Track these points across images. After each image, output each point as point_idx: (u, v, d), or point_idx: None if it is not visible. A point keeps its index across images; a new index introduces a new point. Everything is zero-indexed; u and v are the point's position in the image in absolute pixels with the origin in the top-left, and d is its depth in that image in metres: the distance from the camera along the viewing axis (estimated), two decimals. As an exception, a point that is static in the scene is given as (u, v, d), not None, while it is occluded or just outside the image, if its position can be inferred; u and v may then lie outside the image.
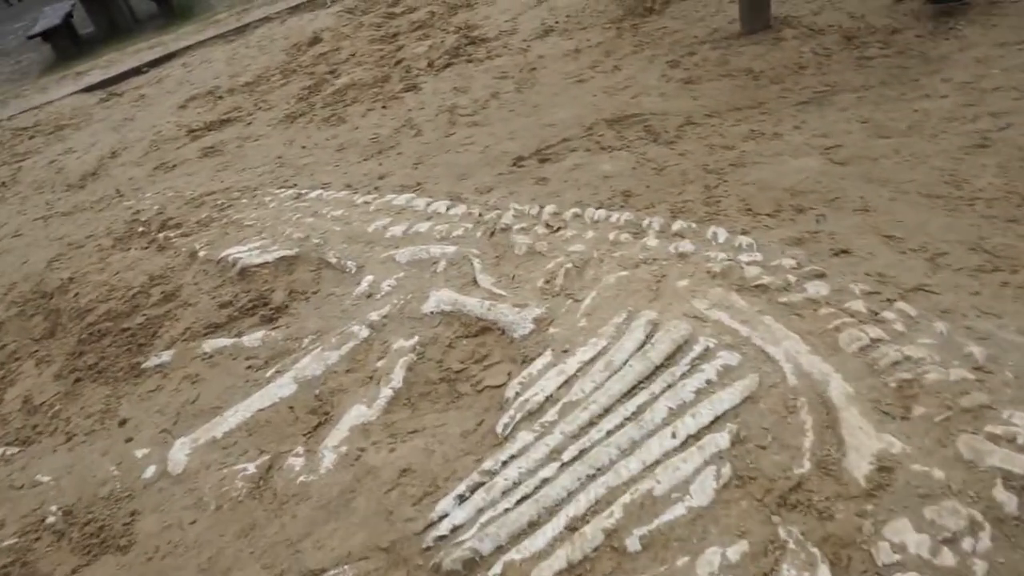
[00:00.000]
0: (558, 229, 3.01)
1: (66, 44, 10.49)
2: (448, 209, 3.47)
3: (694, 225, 2.78)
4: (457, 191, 3.79)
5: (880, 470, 1.71)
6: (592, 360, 2.28)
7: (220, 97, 6.58)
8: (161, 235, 4.18)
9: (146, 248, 4.16)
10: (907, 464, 1.70)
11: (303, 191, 4.14)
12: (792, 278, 2.34)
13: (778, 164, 3.24)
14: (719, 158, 3.43)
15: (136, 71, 8.30)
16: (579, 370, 2.26)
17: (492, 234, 3.16)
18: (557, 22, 5.69)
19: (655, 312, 2.37)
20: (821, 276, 2.34)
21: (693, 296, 2.40)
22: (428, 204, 3.55)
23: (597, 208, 3.08)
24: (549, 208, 3.18)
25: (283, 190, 4.26)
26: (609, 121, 4.09)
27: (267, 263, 3.49)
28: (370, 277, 3.15)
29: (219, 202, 4.36)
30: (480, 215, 3.33)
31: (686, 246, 2.65)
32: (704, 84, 4.21)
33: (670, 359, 2.19)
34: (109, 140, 6.41)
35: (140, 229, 4.39)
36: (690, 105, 4.03)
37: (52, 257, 4.51)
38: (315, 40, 7.15)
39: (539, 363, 2.35)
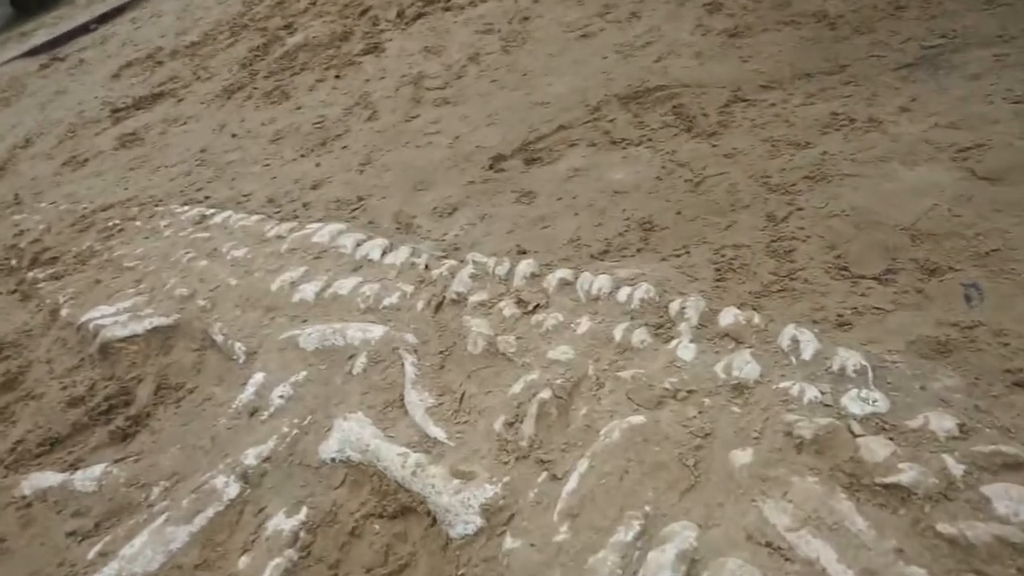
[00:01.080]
0: (535, 308, 1.90)
1: (24, -2, 9.34)
2: (384, 255, 2.37)
3: (757, 319, 1.65)
4: (409, 212, 2.68)
5: None
6: (574, 645, 1.20)
7: (159, 62, 5.47)
8: (31, 274, 3.16)
9: (12, 293, 3.15)
10: None
11: (210, 211, 3.06)
12: (956, 469, 1.22)
13: (883, 177, 2.07)
14: (787, 164, 2.26)
15: (84, 29, 7.18)
16: (549, 668, 1.19)
17: (439, 307, 2.06)
18: (558, -49, 4.40)
19: (693, 526, 1.28)
20: (1016, 466, 1.21)
21: (763, 492, 1.29)
22: (358, 244, 2.45)
23: (596, 273, 1.95)
24: (525, 266, 2.06)
25: (188, 207, 3.18)
26: (623, 98, 2.90)
27: (136, 336, 2.45)
28: (260, 376, 2.10)
29: (111, 223, 3.31)
30: (427, 268, 2.23)
31: (745, 367, 1.52)
32: (757, 37, 2.98)
33: (725, 667, 1.10)
34: (30, 121, 5.37)
35: (12, 262, 3.37)
36: (738, 71, 2.82)
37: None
38: (275, -16, 5.93)
39: (480, 632, 1.28)
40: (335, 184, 3.05)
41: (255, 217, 2.88)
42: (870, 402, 1.38)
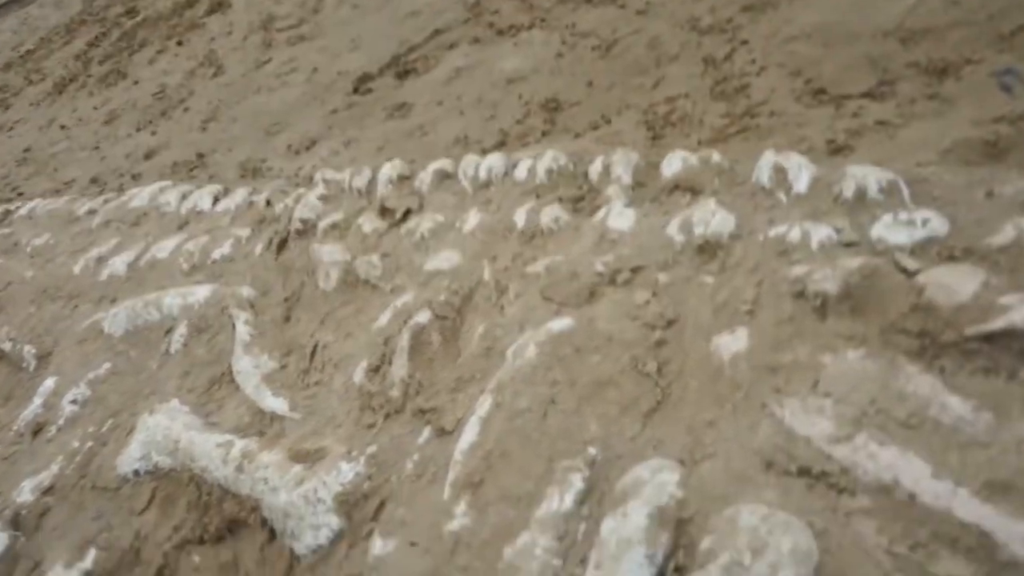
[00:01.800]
0: (405, 215, 1.34)
1: None
2: (216, 202, 1.78)
3: (716, 158, 1.11)
4: (258, 158, 2.10)
5: None
6: None
7: (-10, 77, 4.74)
8: None
9: None
10: None
11: (15, 206, 2.42)
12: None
13: (843, -13, 1.57)
14: (715, 1, 1.75)
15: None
16: None
17: (282, 245, 1.49)
18: None
19: (670, 464, 0.75)
20: None
21: (778, 389, 0.76)
22: (183, 198, 1.86)
23: (486, 150, 1.40)
24: (389, 169, 1.49)
25: (-8, 209, 2.53)
26: (507, -14, 2.37)
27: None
28: (51, 382, 1.49)
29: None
30: (268, 204, 1.65)
31: (712, 219, 0.99)
32: None
33: None
34: None
35: None
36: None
37: None
38: (117, -25, 5.26)
39: None
40: (173, 148, 2.45)
41: (65, 198, 2.25)
42: (919, 224, 0.86)
